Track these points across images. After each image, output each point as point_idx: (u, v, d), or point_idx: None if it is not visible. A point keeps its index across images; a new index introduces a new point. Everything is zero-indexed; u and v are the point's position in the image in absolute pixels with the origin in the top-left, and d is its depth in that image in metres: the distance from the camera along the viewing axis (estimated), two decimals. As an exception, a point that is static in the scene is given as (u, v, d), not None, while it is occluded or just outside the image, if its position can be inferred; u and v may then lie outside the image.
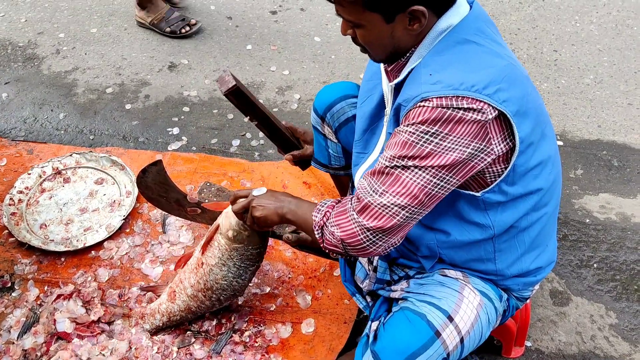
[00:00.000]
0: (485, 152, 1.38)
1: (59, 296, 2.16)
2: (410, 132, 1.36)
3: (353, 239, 1.46)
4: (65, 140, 2.91)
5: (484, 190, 1.48)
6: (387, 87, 1.61)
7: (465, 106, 1.32)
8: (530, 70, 3.38)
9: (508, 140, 1.40)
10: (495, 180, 1.46)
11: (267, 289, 2.23)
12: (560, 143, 2.92)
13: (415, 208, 1.41)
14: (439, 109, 1.33)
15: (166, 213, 2.34)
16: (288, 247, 2.31)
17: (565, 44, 3.58)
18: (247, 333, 2.08)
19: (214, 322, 2.10)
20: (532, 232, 1.59)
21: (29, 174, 2.60)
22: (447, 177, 1.38)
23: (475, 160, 1.39)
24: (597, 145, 2.93)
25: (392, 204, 1.40)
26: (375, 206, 1.41)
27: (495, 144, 1.38)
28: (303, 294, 2.20)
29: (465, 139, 1.34)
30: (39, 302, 2.16)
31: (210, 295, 1.97)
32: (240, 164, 2.72)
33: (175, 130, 2.96)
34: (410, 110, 1.38)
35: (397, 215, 1.41)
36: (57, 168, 2.64)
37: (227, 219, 1.86)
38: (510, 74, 1.40)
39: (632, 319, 2.20)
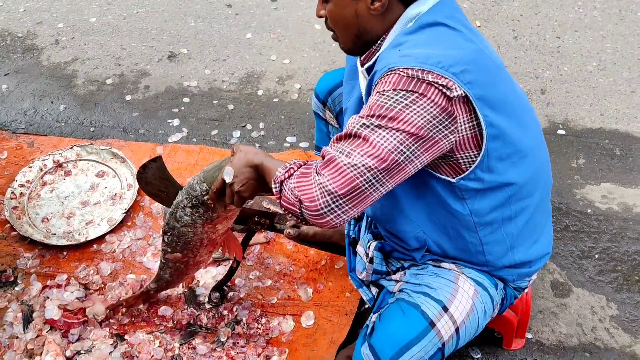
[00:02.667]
0: (450, 130, 1.38)
1: (45, 286, 2.19)
2: (379, 94, 1.37)
3: (312, 202, 1.37)
4: (66, 132, 2.91)
5: (459, 177, 1.48)
6: (361, 76, 1.62)
7: (430, 79, 1.33)
8: (533, 57, 3.35)
9: (475, 123, 1.40)
10: (470, 167, 1.46)
11: (269, 282, 2.23)
12: (562, 132, 2.91)
13: (380, 173, 1.35)
14: (407, 77, 1.34)
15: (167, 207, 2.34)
16: (289, 240, 2.31)
17: (568, 30, 3.55)
18: (248, 325, 2.09)
19: (214, 314, 2.12)
20: (518, 222, 1.58)
21: (30, 167, 2.60)
22: (414, 147, 1.35)
23: (441, 136, 1.37)
24: (600, 134, 2.91)
25: (358, 163, 1.33)
26: (341, 164, 1.34)
27: (461, 122, 1.39)
28: (304, 287, 2.21)
29: (432, 108, 1.34)
30: (28, 295, 2.18)
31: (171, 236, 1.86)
32: (241, 156, 2.71)
33: (176, 122, 2.95)
34: (380, 79, 1.40)
35: (362, 176, 1.34)
36: (58, 161, 2.64)
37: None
38: (479, 59, 1.42)
39: (633, 310, 2.21)
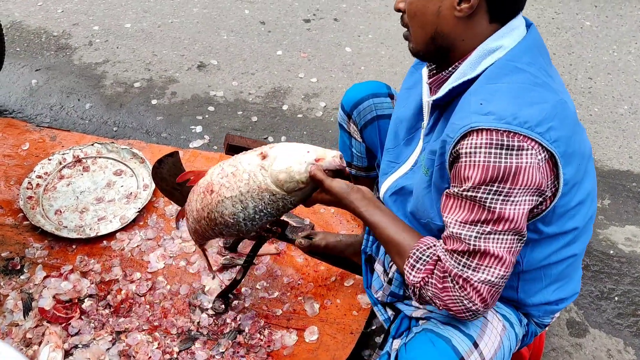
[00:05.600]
0: (543, 196, 1.33)
1: (47, 276, 2.18)
2: (473, 196, 1.30)
3: (460, 314, 1.39)
4: (89, 129, 2.92)
5: None
6: (426, 100, 1.55)
7: (516, 144, 1.25)
8: (563, 95, 3.31)
9: (555, 181, 1.33)
10: (531, 220, 1.39)
11: (276, 294, 2.18)
12: (588, 171, 2.84)
13: (510, 269, 1.35)
14: (494, 162, 1.26)
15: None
16: (300, 252, 2.26)
17: (601, 72, 3.51)
18: (251, 335, 2.04)
19: (215, 320, 2.07)
20: (560, 266, 1.52)
21: (50, 159, 2.61)
22: (526, 232, 1.34)
23: (538, 205, 1.35)
24: (627, 177, 2.84)
25: (492, 277, 1.33)
26: (476, 283, 1.34)
27: (546, 185, 1.32)
28: (311, 302, 2.16)
29: (529, 189, 1.28)
30: (31, 283, 2.17)
31: (213, 226, 1.71)
32: (259, 167, 2.69)
33: (199, 129, 2.95)
34: (463, 161, 1.30)
35: (498, 284, 1.35)
36: (78, 156, 2.64)
37: (294, 160, 1.54)
38: (562, 111, 1.32)
39: (652, 357, 2.11)
